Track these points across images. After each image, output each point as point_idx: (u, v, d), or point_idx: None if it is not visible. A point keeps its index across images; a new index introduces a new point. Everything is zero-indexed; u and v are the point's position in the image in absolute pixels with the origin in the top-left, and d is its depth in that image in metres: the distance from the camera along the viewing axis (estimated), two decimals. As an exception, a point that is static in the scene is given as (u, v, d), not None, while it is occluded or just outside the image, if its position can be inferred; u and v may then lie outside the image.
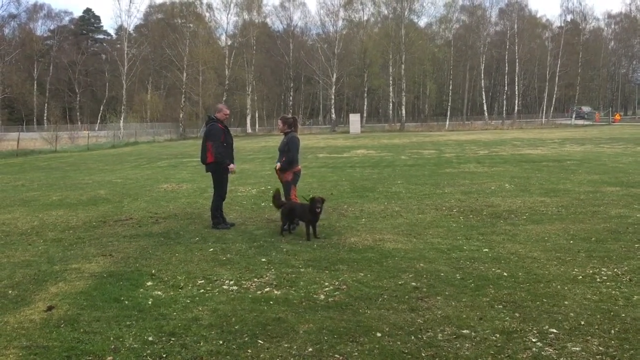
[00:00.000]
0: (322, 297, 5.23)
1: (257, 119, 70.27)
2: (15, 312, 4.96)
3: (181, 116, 60.66)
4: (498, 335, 4.23)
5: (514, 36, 70.27)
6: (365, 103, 74.65)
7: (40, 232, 8.74)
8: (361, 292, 5.32)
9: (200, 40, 62.56)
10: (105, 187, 14.54)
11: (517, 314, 4.65)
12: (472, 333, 4.29)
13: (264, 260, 6.58)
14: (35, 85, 73.12)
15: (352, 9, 73.08)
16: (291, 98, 75.58)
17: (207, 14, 69.33)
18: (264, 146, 35.20)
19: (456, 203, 10.40)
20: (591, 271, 5.80)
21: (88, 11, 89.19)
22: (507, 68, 71.46)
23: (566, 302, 4.90)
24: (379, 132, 59.63)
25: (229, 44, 68.67)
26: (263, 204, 10.89)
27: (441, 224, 8.55)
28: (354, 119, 60.31)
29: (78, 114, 76.06)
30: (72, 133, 43.83)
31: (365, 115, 72.29)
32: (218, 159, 8.64)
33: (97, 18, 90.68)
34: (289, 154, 8.47)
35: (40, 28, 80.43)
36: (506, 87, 73.25)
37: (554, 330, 4.30)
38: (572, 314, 4.63)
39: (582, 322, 4.43)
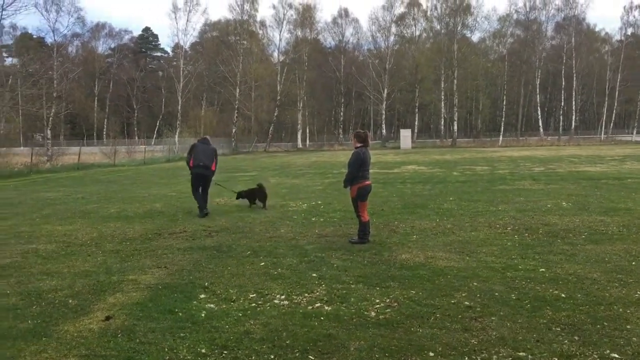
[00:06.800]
0: (373, 314, 5.19)
1: (307, 134, 70.91)
2: (75, 321, 5.13)
3: (234, 131, 61.91)
4: (556, 359, 4.09)
5: (571, 50, 68.44)
6: (417, 118, 74.06)
7: (99, 243, 9.03)
8: (413, 310, 5.25)
9: (254, 57, 63.75)
10: (160, 200, 14.92)
11: (576, 337, 4.49)
12: (529, 356, 4.16)
13: (314, 275, 6.59)
14: (96, 101, 76.26)
15: (404, 24, 73.19)
16: (342, 113, 75.98)
17: (260, 32, 70.79)
18: (315, 161, 35.37)
19: (510, 221, 10.15)
20: (656, 294, 5.54)
21: (147, 30, 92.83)
22: (564, 83, 69.64)
23: (628, 326, 4.70)
24: (430, 147, 59.11)
25: (281, 60, 69.71)
26: (314, 219, 10.93)
27: (495, 242, 8.36)
28: (405, 134, 60.03)
29: (135, 129, 78.80)
30: (129, 147, 45.33)
31: (416, 130, 71.69)
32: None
33: (155, 36, 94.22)
34: (347, 170, 8.54)
35: (102, 46, 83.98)
36: (563, 103, 71.28)
37: (616, 356, 4.13)
38: (635, 338, 4.43)
39: (647, 348, 4.24)
